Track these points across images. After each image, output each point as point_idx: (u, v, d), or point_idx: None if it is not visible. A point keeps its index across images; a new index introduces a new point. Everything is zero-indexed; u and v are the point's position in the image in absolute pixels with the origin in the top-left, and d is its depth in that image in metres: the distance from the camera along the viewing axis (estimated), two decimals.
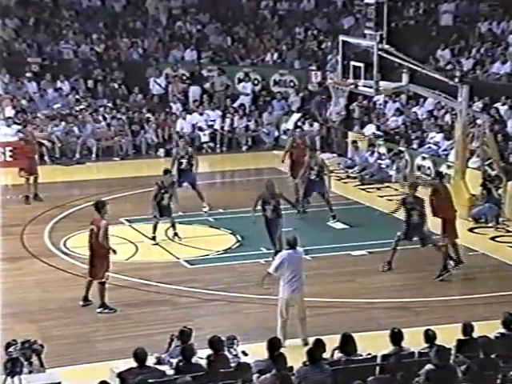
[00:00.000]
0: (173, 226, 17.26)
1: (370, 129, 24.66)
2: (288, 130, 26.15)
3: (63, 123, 24.90)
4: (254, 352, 10.63)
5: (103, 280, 13.79)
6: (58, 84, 27.12)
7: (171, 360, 10.34)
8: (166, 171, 17.49)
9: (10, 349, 9.88)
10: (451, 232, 15.53)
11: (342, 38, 18.65)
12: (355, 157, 23.74)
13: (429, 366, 9.02)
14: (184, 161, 19.04)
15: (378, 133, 24.22)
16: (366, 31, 18.08)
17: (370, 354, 9.98)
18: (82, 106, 25.91)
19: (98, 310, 13.77)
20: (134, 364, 9.62)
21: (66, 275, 15.43)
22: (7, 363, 9.23)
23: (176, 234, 17.31)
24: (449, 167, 20.62)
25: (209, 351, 9.95)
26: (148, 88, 27.81)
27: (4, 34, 28.63)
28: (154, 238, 17.11)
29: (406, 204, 15.73)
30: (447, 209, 15.66)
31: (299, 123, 25.44)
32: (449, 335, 10.26)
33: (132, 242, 17.23)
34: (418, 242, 15.70)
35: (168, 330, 11.34)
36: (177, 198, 17.36)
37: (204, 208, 19.03)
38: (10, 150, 23.49)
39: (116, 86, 27.70)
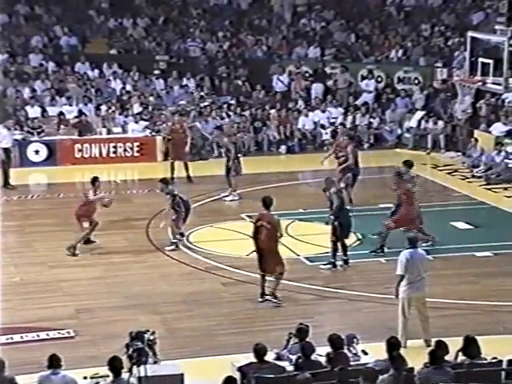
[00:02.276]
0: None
1: (498, 127, 24.01)
2: (411, 128, 25.80)
3: (188, 119, 25.34)
4: (374, 351, 10.54)
5: (279, 272, 14.04)
6: (184, 81, 27.69)
7: (290, 356, 10.38)
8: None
9: (135, 338, 10.12)
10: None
11: (470, 33, 18.29)
12: (473, 155, 23.23)
13: None
14: None
15: (505, 131, 23.57)
16: (497, 26, 17.69)
17: (495, 358, 9.71)
18: (206, 103, 26.34)
19: (267, 298, 13.99)
20: (254, 359, 9.71)
21: (188, 269, 15.72)
22: (133, 353, 9.41)
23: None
24: None
25: (328, 349, 9.94)
26: (271, 85, 28.01)
27: (135, 33, 29.49)
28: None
29: None
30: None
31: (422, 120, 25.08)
32: None
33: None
34: None
35: (288, 327, 11.37)
36: None
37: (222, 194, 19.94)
38: (138, 146, 24.08)
39: (240, 83, 28.03)
